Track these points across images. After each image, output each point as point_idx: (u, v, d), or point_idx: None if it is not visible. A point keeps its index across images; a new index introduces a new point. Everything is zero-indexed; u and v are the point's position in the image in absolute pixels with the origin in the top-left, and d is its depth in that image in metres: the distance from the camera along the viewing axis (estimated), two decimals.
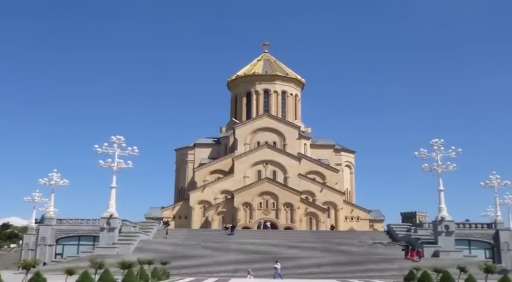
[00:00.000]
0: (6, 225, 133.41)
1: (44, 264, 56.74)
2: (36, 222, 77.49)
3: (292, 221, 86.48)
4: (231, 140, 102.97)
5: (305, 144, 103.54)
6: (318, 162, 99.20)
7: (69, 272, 31.40)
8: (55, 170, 70.09)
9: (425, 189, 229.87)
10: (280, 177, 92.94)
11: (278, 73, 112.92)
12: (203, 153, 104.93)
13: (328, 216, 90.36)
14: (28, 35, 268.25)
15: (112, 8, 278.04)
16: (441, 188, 59.94)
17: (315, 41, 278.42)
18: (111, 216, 60.11)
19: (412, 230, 68.22)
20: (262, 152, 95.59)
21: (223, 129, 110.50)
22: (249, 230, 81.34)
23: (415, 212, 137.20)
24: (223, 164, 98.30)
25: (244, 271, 47.48)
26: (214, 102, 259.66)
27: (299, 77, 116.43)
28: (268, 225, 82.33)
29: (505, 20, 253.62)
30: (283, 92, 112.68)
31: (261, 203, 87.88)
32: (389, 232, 71.51)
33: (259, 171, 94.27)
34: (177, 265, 50.58)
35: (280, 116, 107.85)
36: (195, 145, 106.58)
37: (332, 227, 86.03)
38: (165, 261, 47.02)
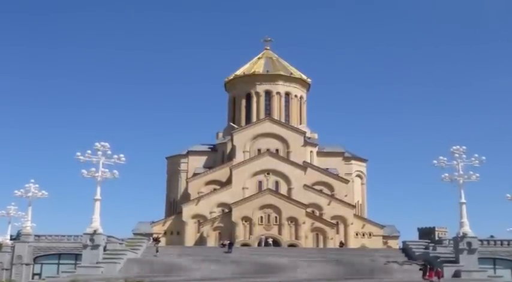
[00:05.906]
0: None
1: None
2: (11, 239, 77.47)
3: (296, 237, 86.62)
4: (229, 147, 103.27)
5: (311, 151, 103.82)
6: (326, 171, 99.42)
7: None
8: (32, 180, 69.91)
9: (445, 202, 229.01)
10: (283, 189, 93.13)
11: (281, 72, 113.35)
12: (197, 162, 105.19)
13: (337, 232, 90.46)
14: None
15: (96, 1, 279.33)
16: (463, 200, 59.87)
17: (322, 36, 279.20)
18: (95, 232, 60.03)
19: (431, 248, 68.14)
20: (264, 161, 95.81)
21: (220, 135, 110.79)
22: (249, 247, 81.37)
23: (434, 228, 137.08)
24: (220, 173, 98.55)
25: None
26: (210, 105, 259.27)
27: (304, 77, 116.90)
28: (270, 242, 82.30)
29: None
30: (287, 94, 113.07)
31: (262, 217, 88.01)
32: (405, 250, 71.45)
33: (260, 182, 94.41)
34: None
35: (283, 120, 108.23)
36: (189, 153, 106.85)
37: (341, 244, 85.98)
38: None
